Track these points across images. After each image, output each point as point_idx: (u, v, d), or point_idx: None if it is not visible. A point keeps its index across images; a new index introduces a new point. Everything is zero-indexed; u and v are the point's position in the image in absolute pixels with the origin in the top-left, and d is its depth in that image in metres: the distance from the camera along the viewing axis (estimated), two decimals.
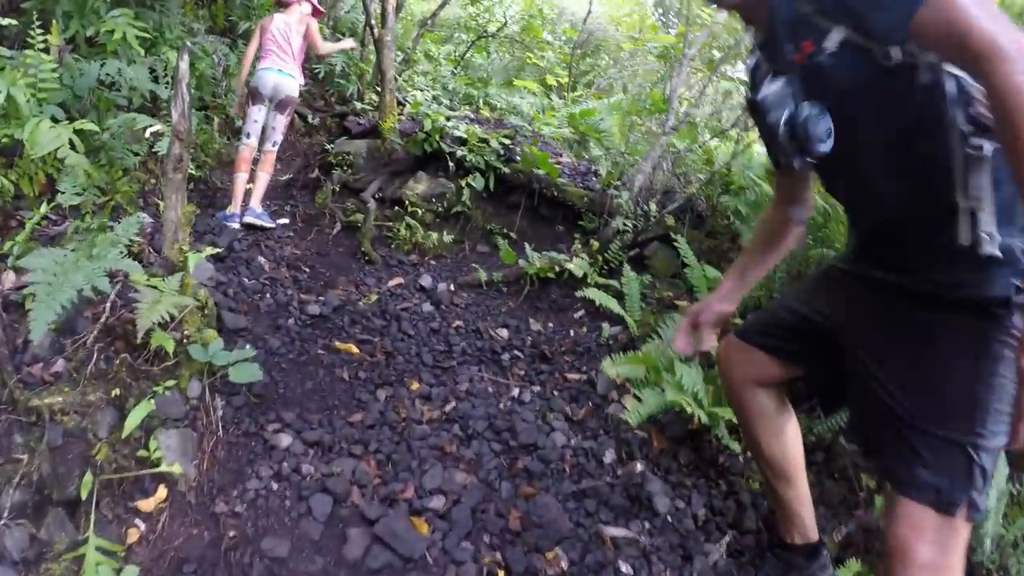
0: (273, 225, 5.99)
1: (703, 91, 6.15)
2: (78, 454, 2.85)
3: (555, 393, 4.31)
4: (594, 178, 6.60)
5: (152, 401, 3.07)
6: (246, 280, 4.83)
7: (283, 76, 6.03)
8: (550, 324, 5.31)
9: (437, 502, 3.15)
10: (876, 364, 2.04)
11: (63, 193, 4.14)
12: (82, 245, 3.20)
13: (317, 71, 7.88)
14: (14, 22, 4.91)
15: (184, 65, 3.71)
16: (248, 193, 5.99)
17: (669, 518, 3.31)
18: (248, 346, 3.87)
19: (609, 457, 3.70)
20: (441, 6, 8.56)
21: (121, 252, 3.26)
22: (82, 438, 2.90)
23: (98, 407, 3.03)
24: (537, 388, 4.36)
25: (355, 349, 4.40)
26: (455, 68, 8.90)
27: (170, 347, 3.19)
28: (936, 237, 1.84)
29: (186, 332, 3.46)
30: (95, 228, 3.61)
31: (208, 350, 3.41)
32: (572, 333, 5.20)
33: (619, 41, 9.56)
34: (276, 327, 4.41)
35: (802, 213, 2.48)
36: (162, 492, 2.93)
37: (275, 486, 3.12)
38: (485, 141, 6.17)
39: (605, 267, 5.62)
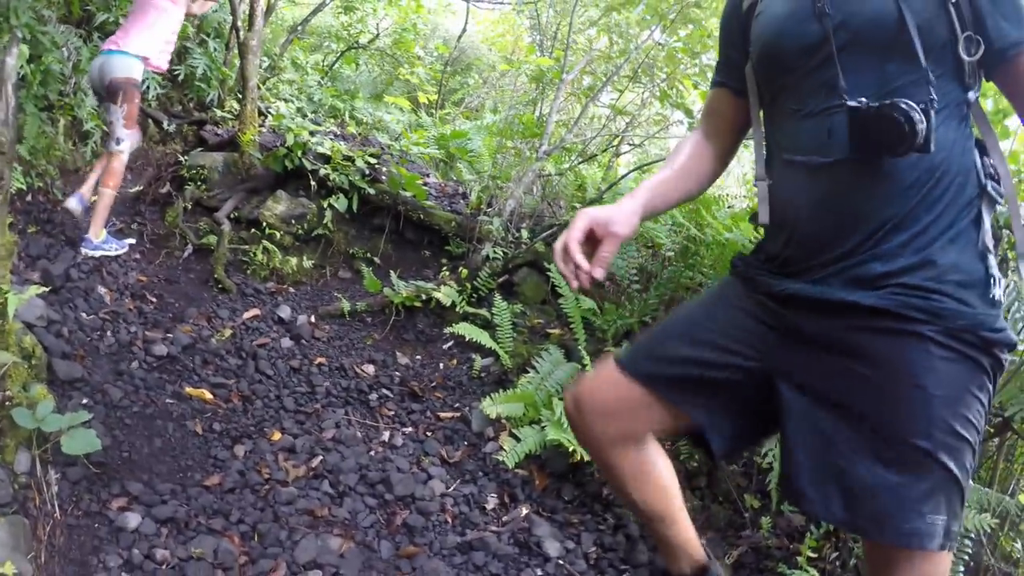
0: (120, 251, 5.10)
1: (579, 117, 5.92)
2: None
3: (428, 435, 4.06)
4: (462, 201, 6.28)
5: None
6: (84, 316, 4.23)
7: (108, 56, 4.97)
8: (418, 357, 5.01)
9: None
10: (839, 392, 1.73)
11: None
12: None
13: (177, 72, 7.19)
14: None
15: (11, 60, 3.04)
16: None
17: (561, 561, 3.19)
18: (82, 408, 3.32)
19: (492, 502, 3.55)
20: (314, 12, 8.03)
21: None
22: None
23: None
24: (409, 430, 4.09)
25: (208, 395, 3.95)
26: (323, 78, 8.36)
27: None
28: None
29: (8, 391, 2.91)
30: None
31: (36, 413, 2.88)
32: (442, 366, 4.92)
33: (492, 61, 9.29)
34: (118, 373, 3.87)
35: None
36: None
37: None
38: (350, 159, 5.73)
39: (474, 295, 5.33)
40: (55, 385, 3.44)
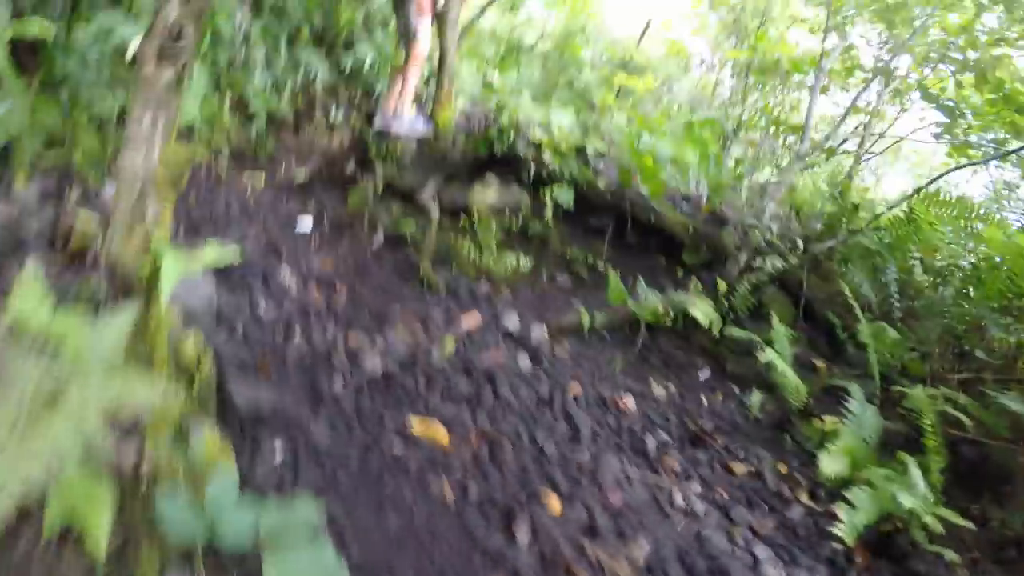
0: (425, 132, 4.32)
1: (846, 112, 4.13)
2: None
3: (725, 495, 2.52)
4: (684, 204, 4.44)
5: None
6: (263, 306, 2.51)
7: None
8: (671, 387, 3.24)
9: None
10: None
11: None
12: None
13: (343, 65, 5.63)
14: None
15: None
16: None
17: None
18: (283, 465, 1.56)
19: None
20: (483, 10, 6.35)
21: None
22: None
23: None
24: (701, 489, 2.51)
25: (443, 437, 2.19)
26: (496, 72, 6.64)
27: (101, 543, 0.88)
28: None
29: (149, 451, 1.14)
30: None
31: (207, 501, 1.09)
32: (706, 401, 3.21)
33: (667, 65, 7.55)
34: (317, 398, 2.13)
35: None
36: None
37: None
38: (579, 147, 3.95)
39: (731, 314, 3.51)
40: (229, 424, 1.69)
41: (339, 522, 1.59)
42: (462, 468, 2.07)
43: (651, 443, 2.67)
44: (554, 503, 2.07)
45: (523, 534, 1.84)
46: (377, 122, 4.30)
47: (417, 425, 2.19)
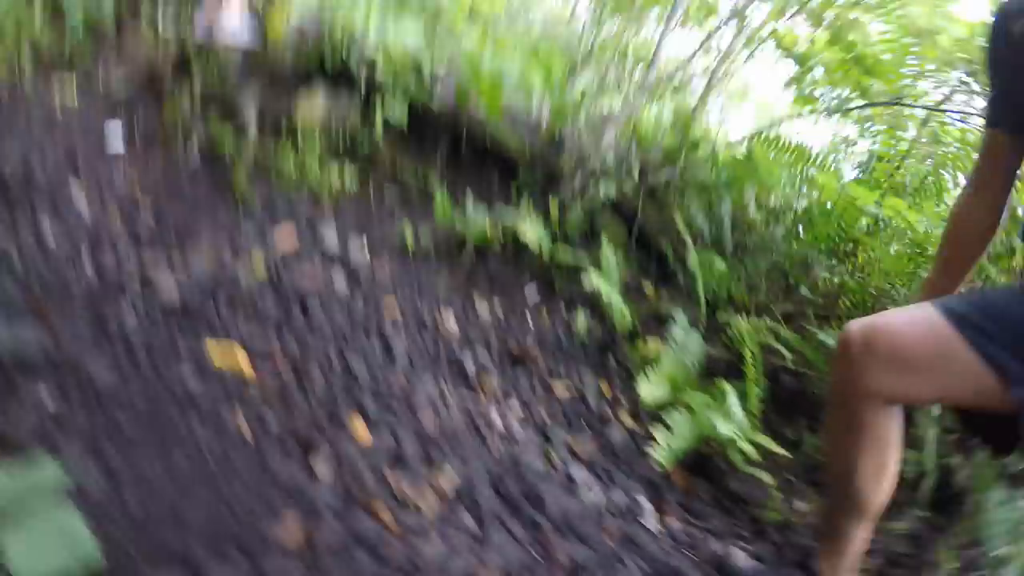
0: (247, 42, 3.88)
1: (696, 50, 4.21)
2: None
3: (545, 417, 2.58)
4: (524, 127, 4.40)
5: None
6: (50, 234, 2.31)
7: None
8: (496, 308, 3.29)
9: None
10: None
11: None
12: None
13: None
14: None
15: None
16: None
17: None
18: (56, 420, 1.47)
19: (650, 518, 2.21)
20: None
21: None
22: None
23: None
24: (519, 411, 2.56)
25: (244, 366, 2.13)
26: None
27: None
28: None
29: None
30: None
31: None
32: (531, 323, 3.26)
33: None
34: (103, 334, 1.99)
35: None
36: None
37: None
38: (417, 64, 3.81)
39: (563, 237, 3.59)
40: None
41: (118, 473, 1.51)
42: (263, 399, 2.00)
43: (471, 365, 2.69)
44: (362, 432, 2.05)
45: (324, 467, 1.82)
46: (200, 31, 3.96)
47: (216, 355, 2.11)
